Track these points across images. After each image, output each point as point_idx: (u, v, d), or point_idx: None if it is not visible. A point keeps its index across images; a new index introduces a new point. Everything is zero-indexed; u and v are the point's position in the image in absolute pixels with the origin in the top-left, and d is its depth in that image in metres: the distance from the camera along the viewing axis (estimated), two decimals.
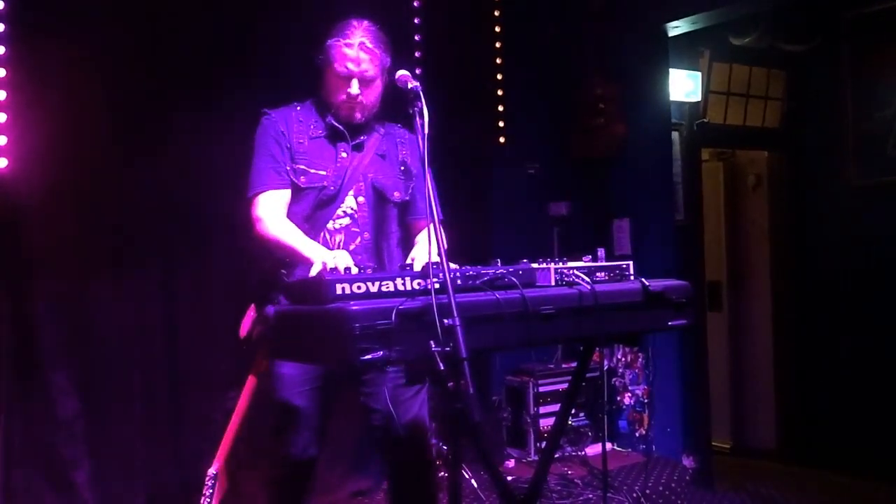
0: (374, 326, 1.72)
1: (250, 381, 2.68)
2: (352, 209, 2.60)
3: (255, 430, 2.74)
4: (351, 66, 2.52)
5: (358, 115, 2.59)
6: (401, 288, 1.90)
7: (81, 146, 3.42)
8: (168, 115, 3.55)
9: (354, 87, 2.53)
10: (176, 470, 3.57)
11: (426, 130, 2.17)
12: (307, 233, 2.51)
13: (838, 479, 4.82)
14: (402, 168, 2.70)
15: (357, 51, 2.53)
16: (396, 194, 2.67)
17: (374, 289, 1.86)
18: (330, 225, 2.57)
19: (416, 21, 4.36)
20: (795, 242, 5.69)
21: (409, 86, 2.29)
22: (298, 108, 2.66)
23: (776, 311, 5.70)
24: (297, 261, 2.44)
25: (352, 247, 2.56)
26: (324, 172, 2.57)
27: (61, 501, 3.39)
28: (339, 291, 1.81)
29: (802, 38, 5.27)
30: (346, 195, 2.59)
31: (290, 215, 2.55)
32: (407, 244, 2.73)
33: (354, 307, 1.74)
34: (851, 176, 5.28)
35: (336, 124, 2.61)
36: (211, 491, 2.69)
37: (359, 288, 1.83)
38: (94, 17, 3.44)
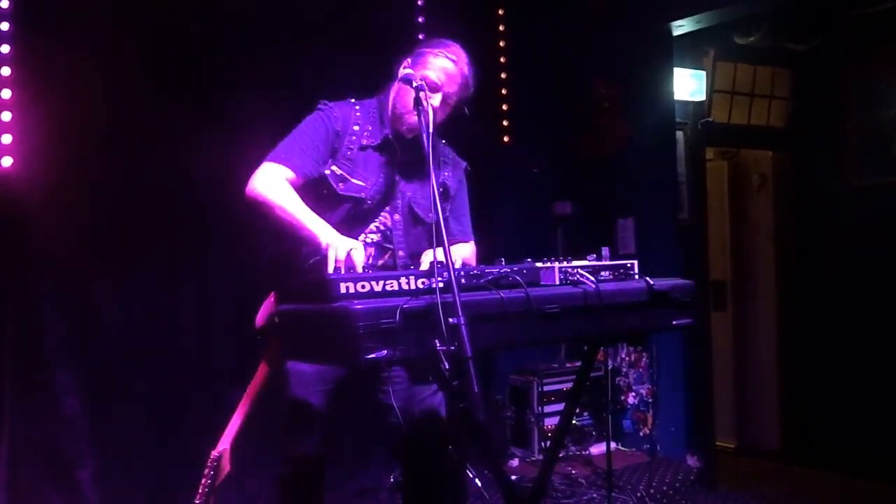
0: (378, 325, 1.71)
1: (262, 369, 2.64)
2: (385, 225, 2.55)
3: (261, 426, 2.71)
4: (443, 78, 2.45)
5: (416, 126, 2.40)
6: (405, 287, 1.88)
7: (85, 144, 3.42)
8: (171, 112, 3.55)
9: (436, 100, 2.41)
10: (179, 468, 3.57)
11: (430, 129, 2.17)
12: None
13: (841, 479, 4.81)
14: (441, 189, 2.60)
15: (456, 69, 2.48)
16: (432, 215, 2.58)
17: (378, 288, 1.84)
18: (361, 238, 2.50)
19: (419, 20, 4.35)
20: (799, 242, 5.68)
21: (414, 84, 2.29)
22: (358, 108, 2.58)
23: (780, 310, 5.69)
24: (296, 235, 2.33)
25: (381, 262, 2.51)
26: (363, 184, 2.50)
27: (65, 500, 3.39)
28: (343, 290, 1.79)
29: (803, 37, 5.27)
30: (382, 211, 2.54)
31: None
32: None
33: (358, 306, 1.73)
34: (854, 176, 5.27)
35: (392, 140, 2.53)
36: (212, 472, 2.64)
37: (363, 287, 1.82)
38: (98, 16, 3.45)
